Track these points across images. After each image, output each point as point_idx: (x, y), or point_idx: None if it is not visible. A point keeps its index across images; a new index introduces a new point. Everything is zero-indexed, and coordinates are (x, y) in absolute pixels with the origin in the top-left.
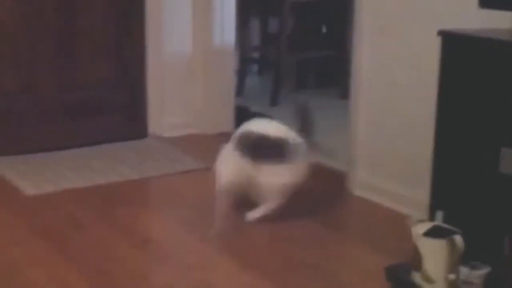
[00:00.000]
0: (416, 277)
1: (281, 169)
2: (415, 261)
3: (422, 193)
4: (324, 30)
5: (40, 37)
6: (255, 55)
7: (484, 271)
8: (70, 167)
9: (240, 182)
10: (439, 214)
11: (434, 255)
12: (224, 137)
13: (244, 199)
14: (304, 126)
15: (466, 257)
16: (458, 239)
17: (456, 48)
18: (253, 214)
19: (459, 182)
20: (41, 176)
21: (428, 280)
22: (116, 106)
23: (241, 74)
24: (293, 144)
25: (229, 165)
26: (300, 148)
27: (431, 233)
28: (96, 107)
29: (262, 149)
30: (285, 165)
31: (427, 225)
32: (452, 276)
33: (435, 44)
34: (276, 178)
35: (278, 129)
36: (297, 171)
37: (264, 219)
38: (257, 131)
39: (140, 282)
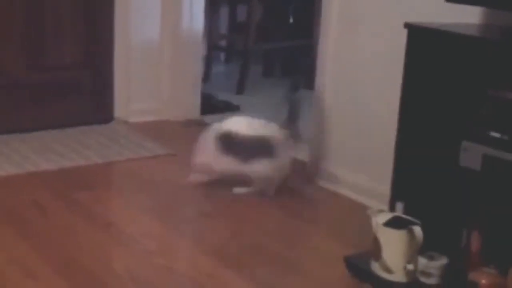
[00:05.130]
0: (375, 267)
1: (264, 164)
2: (375, 250)
3: (383, 184)
4: (291, 20)
5: (7, 19)
6: (223, 43)
7: (442, 262)
8: (35, 149)
9: (217, 173)
10: (399, 205)
11: (393, 245)
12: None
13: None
14: (292, 118)
15: (424, 248)
16: (417, 230)
17: (422, 41)
18: (239, 190)
19: (420, 174)
20: (4, 158)
21: (387, 269)
22: (83, 90)
23: (208, 62)
24: (274, 141)
25: (207, 158)
26: (282, 144)
27: (391, 223)
28: (62, 91)
29: (245, 149)
30: (268, 161)
31: (387, 216)
32: (410, 266)
33: (402, 36)
34: (260, 171)
35: (260, 128)
36: (280, 166)
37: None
38: (239, 131)
39: (101, 266)
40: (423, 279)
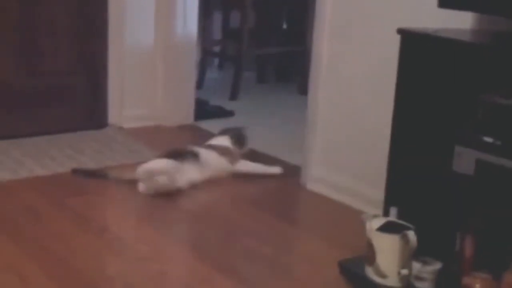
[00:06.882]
0: (369, 272)
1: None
2: (369, 255)
3: (377, 189)
4: (284, 26)
5: (1, 26)
6: (216, 48)
7: (435, 266)
8: (29, 155)
9: None
10: (393, 210)
11: (387, 250)
12: (184, 129)
13: None
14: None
15: (418, 253)
16: (411, 234)
17: (415, 46)
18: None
19: (413, 179)
20: None
21: (381, 274)
22: (77, 95)
23: (202, 67)
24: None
25: None
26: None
27: (385, 228)
28: (56, 96)
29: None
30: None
31: (381, 221)
32: (404, 271)
33: (395, 42)
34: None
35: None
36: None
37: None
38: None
39: (95, 272)
40: (417, 284)
